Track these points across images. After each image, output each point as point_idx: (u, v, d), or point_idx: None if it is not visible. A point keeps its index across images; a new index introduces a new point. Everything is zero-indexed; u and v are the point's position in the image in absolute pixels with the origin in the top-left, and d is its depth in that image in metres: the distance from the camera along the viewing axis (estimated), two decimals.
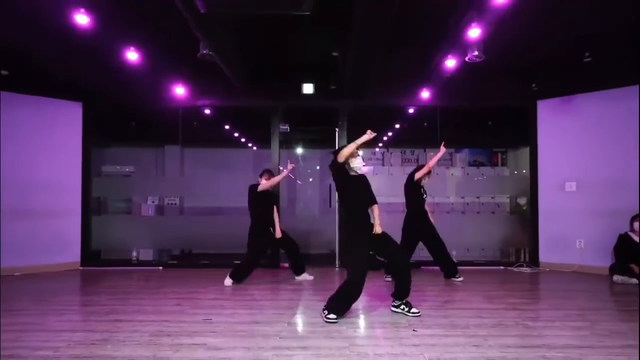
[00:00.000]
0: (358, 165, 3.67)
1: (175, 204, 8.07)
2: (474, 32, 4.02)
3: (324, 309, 3.58)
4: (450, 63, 4.83)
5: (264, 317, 3.62)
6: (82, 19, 3.85)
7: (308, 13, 3.59)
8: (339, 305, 3.57)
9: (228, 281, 5.05)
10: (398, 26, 4.26)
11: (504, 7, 3.73)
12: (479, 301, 4.21)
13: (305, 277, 5.38)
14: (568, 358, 2.69)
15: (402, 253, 3.87)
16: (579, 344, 2.96)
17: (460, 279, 5.31)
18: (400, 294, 3.74)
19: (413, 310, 3.68)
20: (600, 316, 3.68)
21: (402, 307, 3.74)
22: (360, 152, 3.68)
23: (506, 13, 3.87)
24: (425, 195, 5.33)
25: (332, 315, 3.49)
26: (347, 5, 3.87)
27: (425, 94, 6.10)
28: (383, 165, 8.64)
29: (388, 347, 2.90)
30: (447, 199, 7.93)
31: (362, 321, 3.54)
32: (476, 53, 4.52)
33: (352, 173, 3.70)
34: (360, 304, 3.96)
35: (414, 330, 3.27)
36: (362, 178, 3.76)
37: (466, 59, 4.63)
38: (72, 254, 6.32)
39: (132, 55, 4.71)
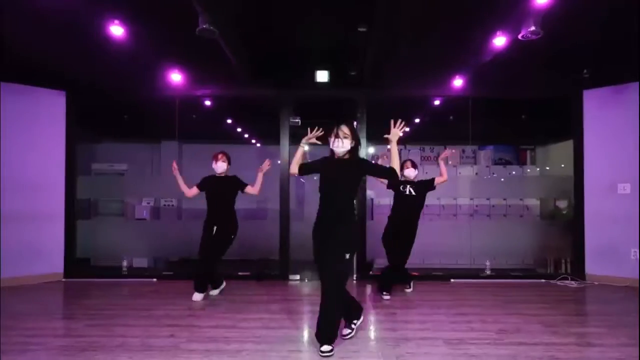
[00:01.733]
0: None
1: (173, 205, 7.34)
2: None
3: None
4: (500, 41, 4.03)
5: (280, 356, 2.86)
6: None
7: None
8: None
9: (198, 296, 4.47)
10: None
11: None
12: (540, 331, 3.44)
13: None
14: None
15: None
16: None
17: None
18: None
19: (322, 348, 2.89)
20: None
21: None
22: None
23: None
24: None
25: (325, 347, 2.88)
26: None
27: (458, 82, 5.30)
28: None
29: None
30: (470, 200, 7.20)
31: None
32: (533, 28, 3.71)
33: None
34: (399, 334, 3.20)
35: None
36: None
37: (519, 36, 3.83)
38: (54, 263, 5.53)
39: (120, 35, 3.89)
